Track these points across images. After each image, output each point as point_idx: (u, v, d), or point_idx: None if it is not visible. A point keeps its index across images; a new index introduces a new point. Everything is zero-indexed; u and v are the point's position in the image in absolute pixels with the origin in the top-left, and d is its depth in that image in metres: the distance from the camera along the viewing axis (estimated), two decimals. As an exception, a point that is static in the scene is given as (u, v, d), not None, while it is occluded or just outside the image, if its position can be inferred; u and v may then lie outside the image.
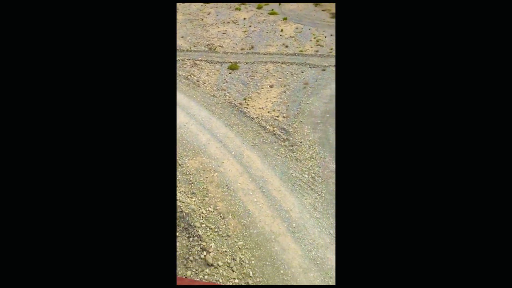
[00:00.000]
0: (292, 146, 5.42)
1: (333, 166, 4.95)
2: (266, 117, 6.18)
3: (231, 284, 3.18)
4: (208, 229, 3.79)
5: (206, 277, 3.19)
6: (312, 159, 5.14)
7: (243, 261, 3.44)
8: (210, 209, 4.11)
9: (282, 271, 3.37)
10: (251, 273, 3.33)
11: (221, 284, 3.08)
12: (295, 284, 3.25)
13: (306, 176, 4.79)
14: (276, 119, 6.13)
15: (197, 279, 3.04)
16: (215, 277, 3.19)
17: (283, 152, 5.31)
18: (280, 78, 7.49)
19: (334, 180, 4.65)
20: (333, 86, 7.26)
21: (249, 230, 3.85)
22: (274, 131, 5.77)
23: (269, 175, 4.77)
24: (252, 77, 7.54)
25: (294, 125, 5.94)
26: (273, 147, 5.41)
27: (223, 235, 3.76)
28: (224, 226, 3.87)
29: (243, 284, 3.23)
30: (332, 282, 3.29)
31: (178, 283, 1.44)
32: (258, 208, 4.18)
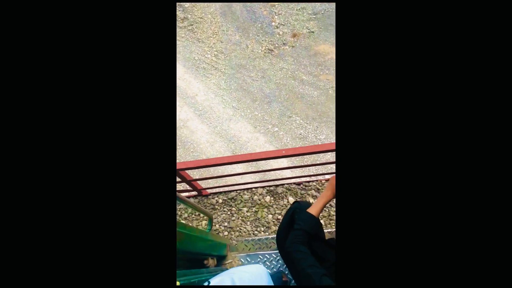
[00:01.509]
0: (192, 25, 4.87)
1: (235, 38, 4.66)
2: (158, -5, 5.20)
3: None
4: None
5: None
6: (214, 35, 4.76)
7: (155, 151, 3.79)
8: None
9: (192, 150, 3.80)
10: (164, 159, 3.74)
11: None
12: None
13: (209, 56, 4.58)
14: (170, -5, 5.18)
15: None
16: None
17: (183, 34, 4.82)
18: None
19: (236, 54, 4.50)
20: None
21: (158, 124, 4.02)
22: (170, 11, 5.00)
23: (171, 65, 4.53)
24: None
25: (192, -3, 5.11)
26: (171, 32, 4.86)
27: (133, 135, 3.94)
28: (133, 127, 4.00)
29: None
30: (234, 146, 3.79)
31: (178, 167, 1.51)
32: (164, 101, 4.20)
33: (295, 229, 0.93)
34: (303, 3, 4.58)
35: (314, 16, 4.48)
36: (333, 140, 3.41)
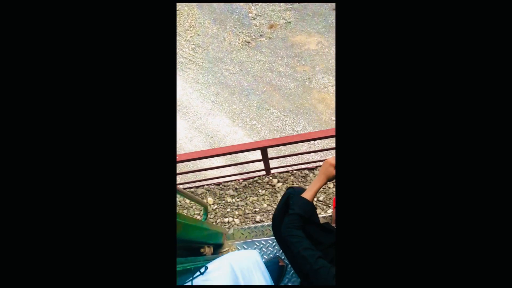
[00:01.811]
0: (168, 18, 4.76)
1: (213, 30, 4.58)
2: (132, -13, 5.04)
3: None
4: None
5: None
6: (191, 28, 4.67)
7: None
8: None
9: (170, 146, 3.78)
10: (142, 156, 3.71)
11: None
12: (182, 152, 3.73)
13: (187, 50, 4.51)
14: (144, -13, 5.03)
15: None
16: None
17: (159, 28, 4.71)
18: None
19: (213, 47, 4.44)
20: None
21: (135, 121, 3.97)
22: (144, 4, 4.86)
23: (148, 60, 4.44)
24: None
25: (167, -11, 4.97)
26: (147, 26, 4.74)
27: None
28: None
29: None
30: (213, 140, 3.79)
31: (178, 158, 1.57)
32: (142, 97, 4.14)
33: (290, 214, 0.94)
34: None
35: (291, 6, 4.44)
36: (309, 131, 3.44)
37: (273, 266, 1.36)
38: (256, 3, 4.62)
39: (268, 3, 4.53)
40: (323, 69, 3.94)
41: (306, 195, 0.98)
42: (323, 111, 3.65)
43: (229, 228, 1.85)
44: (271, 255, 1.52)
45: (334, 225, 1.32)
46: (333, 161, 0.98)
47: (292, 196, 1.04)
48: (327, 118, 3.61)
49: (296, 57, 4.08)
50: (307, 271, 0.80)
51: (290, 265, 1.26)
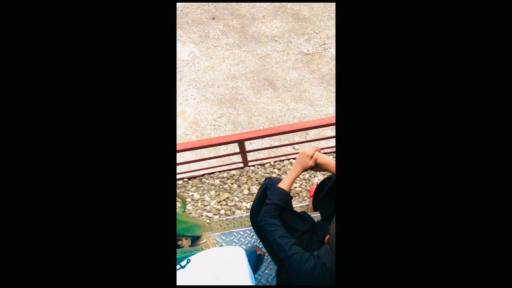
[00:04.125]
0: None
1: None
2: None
3: None
4: None
5: None
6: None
7: None
8: None
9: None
10: None
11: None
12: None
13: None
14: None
15: None
16: None
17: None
18: None
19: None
20: None
21: None
22: None
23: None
24: None
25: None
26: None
27: None
28: None
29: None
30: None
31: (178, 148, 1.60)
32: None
33: (267, 204, 0.99)
34: None
35: (171, 13, 4.34)
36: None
37: (251, 255, 1.40)
38: None
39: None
40: (188, 81, 3.91)
41: (283, 185, 1.03)
42: (180, 125, 3.62)
43: (207, 219, 1.85)
44: (249, 245, 1.57)
45: (310, 213, 1.40)
46: (309, 152, 1.03)
47: (270, 186, 1.08)
48: (181, 133, 3.60)
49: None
50: (282, 257, 0.86)
51: (267, 253, 1.36)
